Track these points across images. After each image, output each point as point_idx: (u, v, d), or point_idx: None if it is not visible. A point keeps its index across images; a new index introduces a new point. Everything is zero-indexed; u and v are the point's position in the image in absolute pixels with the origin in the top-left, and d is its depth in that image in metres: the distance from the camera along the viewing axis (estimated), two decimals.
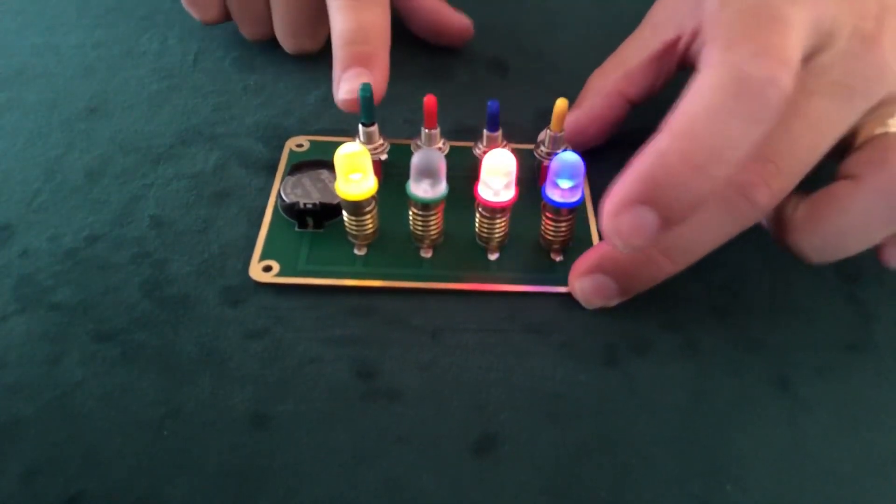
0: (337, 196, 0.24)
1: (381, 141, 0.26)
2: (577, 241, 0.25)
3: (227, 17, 0.32)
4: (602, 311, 0.24)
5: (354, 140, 0.26)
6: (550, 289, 0.24)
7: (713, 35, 0.20)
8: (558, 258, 0.25)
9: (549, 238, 0.25)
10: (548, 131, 0.26)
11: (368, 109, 0.25)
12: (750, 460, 0.21)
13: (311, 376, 0.22)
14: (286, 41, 0.32)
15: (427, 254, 0.25)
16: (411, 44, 0.35)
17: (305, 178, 0.26)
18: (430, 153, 0.23)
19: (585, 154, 0.23)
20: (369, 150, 0.25)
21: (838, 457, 0.21)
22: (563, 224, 0.24)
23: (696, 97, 0.19)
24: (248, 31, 0.33)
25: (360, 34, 0.27)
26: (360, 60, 0.26)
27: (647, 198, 0.19)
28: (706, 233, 0.21)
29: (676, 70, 0.27)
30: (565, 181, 0.23)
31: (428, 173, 0.23)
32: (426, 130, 0.25)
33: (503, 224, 0.24)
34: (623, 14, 0.37)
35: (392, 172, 0.27)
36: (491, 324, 0.24)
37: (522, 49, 0.35)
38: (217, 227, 0.26)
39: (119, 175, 0.28)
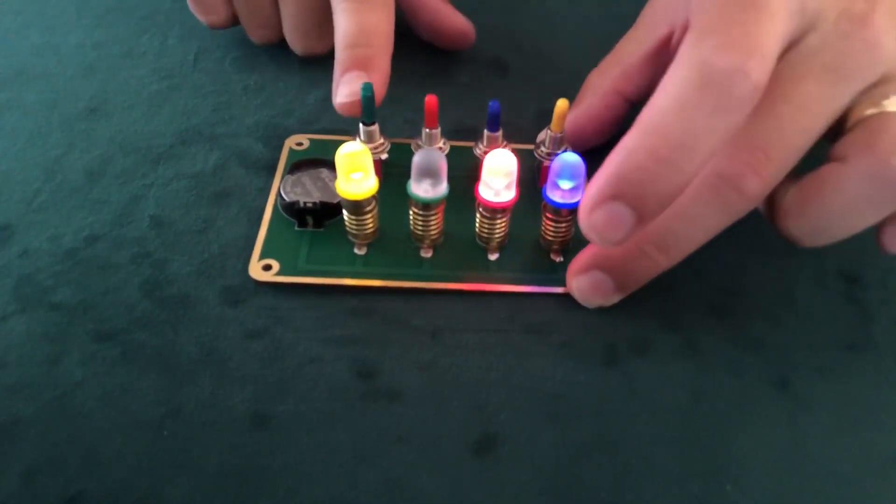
0: (337, 195, 0.24)
1: (381, 140, 0.26)
2: (577, 241, 0.25)
3: (234, 21, 0.32)
4: (602, 311, 0.24)
5: (355, 139, 0.26)
6: (550, 289, 0.24)
7: (690, 27, 0.19)
8: (558, 258, 0.25)
9: (550, 238, 0.25)
10: (548, 131, 0.26)
11: (369, 109, 0.25)
12: (750, 460, 0.21)
13: (311, 376, 0.22)
14: (296, 43, 0.32)
15: (427, 254, 0.25)
16: (412, 44, 0.35)
17: (305, 177, 0.26)
18: (431, 153, 0.23)
19: (585, 154, 0.23)
20: (370, 149, 0.25)
21: (838, 457, 0.21)
22: (564, 224, 0.24)
23: (663, 92, 0.19)
24: (256, 34, 0.32)
25: (362, 37, 0.27)
26: (359, 64, 0.26)
27: (619, 194, 0.19)
28: (698, 225, 0.21)
29: None
30: (566, 182, 0.23)
31: (429, 173, 0.23)
32: (427, 130, 0.25)
33: (503, 224, 0.24)
34: (623, 14, 0.37)
35: (392, 172, 0.27)
36: (491, 324, 0.24)
37: (522, 49, 0.35)
38: (217, 227, 0.26)
39: (119, 175, 0.28)
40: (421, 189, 0.23)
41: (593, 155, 0.29)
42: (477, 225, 0.25)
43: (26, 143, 0.29)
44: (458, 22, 0.33)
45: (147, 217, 0.26)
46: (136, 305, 0.23)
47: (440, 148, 0.26)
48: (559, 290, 0.24)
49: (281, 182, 0.26)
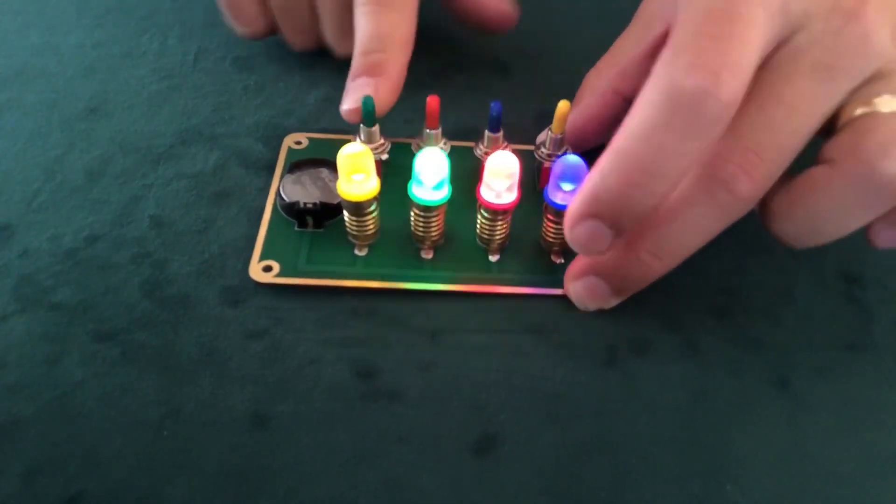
0: (337, 195, 0.24)
1: (381, 140, 0.26)
2: None
3: (272, 30, 0.32)
4: (602, 312, 0.24)
5: (355, 139, 0.26)
6: (551, 291, 0.24)
7: (668, 42, 0.19)
8: (559, 260, 0.25)
9: (551, 240, 0.25)
10: (548, 133, 0.26)
11: (369, 120, 0.25)
12: (750, 460, 0.21)
13: (311, 377, 0.22)
14: (336, 46, 0.32)
15: (428, 255, 0.25)
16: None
17: (305, 177, 0.26)
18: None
19: (585, 155, 0.23)
20: (370, 149, 0.25)
21: (838, 457, 0.21)
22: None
23: (634, 115, 0.19)
24: (296, 40, 0.32)
25: (377, 42, 0.27)
26: (370, 70, 0.26)
27: (595, 213, 0.20)
28: (693, 229, 0.21)
29: None
30: (568, 184, 0.23)
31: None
32: (428, 131, 0.25)
33: (504, 226, 0.24)
34: (623, 14, 0.37)
35: (393, 172, 0.27)
36: (491, 324, 0.24)
37: (522, 49, 0.35)
38: (217, 227, 0.26)
39: (119, 175, 0.28)
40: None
41: (593, 156, 0.29)
42: (478, 226, 0.25)
43: (26, 143, 0.29)
44: (497, 3, 0.32)
45: (147, 217, 0.26)
46: (136, 305, 0.23)
47: (441, 148, 0.26)
48: (560, 291, 0.24)
49: (280, 182, 0.26)
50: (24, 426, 0.21)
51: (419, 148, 0.26)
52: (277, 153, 0.29)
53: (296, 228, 0.26)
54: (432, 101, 0.24)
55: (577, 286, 0.23)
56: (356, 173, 0.23)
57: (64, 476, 0.20)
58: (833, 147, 0.21)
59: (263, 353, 0.22)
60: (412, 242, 0.25)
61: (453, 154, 0.26)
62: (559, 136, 0.25)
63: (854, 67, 0.20)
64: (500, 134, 0.26)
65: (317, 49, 0.33)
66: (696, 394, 0.22)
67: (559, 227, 0.24)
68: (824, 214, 0.21)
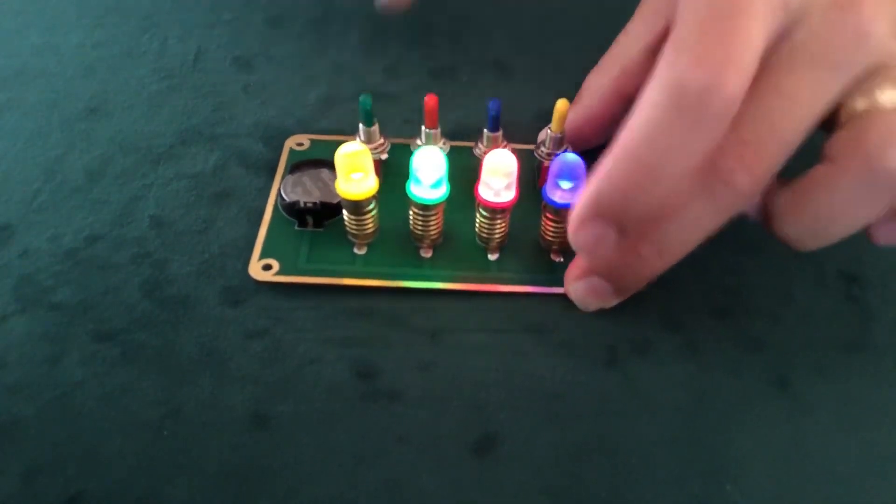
0: (337, 195, 0.24)
1: (381, 140, 0.26)
2: None
3: None
4: (602, 312, 0.24)
5: (355, 139, 0.26)
6: (550, 290, 0.24)
7: (669, 38, 0.19)
8: (558, 259, 0.25)
9: (550, 239, 0.25)
10: (548, 131, 0.26)
11: (367, 119, 0.25)
12: (750, 460, 0.21)
13: (311, 376, 0.22)
14: None
15: (427, 254, 0.25)
16: (412, 44, 0.35)
17: (306, 177, 0.26)
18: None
19: (586, 154, 0.23)
20: (370, 149, 0.25)
21: (838, 457, 0.21)
22: (564, 225, 0.24)
23: (638, 114, 0.19)
24: None
25: None
26: None
27: (599, 213, 0.20)
28: (692, 225, 0.21)
29: None
30: (566, 182, 0.23)
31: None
32: (426, 130, 0.25)
33: (503, 224, 0.24)
34: (623, 14, 0.37)
35: (392, 172, 0.27)
36: (491, 324, 0.24)
37: (522, 49, 0.35)
38: (217, 227, 0.26)
39: (119, 175, 0.28)
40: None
41: (593, 155, 0.29)
42: (477, 225, 0.25)
43: (26, 143, 0.29)
44: None
45: (147, 217, 0.26)
46: (136, 305, 0.23)
47: (440, 147, 0.26)
48: (559, 290, 0.24)
49: (281, 182, 0.26)
50: (24, 426, 0.21)
51: (417, 147, 0.26)
52: (278, 153, 0.29)
53: (296, 228, 0.26)
54: (430, 101, 0.24)
55: (578, 287, 0.23)
56: (354, 172, 0.23)
57: (64, 476, 0.20)
58: (834, 144, 0.21)
59: (263, 353, 0.22)
60: (411, 241, 0.25)
61: (453, 153, 0.26)
62: (559, 135, 0.25)
63: (852, 60, 0.20)
64: (500, 133, 0.26)
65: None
66: (696, 394, 0.22)
67: (558, 225, 0.24)
68: (828, 213, 0.21)
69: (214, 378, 0.22)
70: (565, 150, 0.26)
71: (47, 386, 0.21)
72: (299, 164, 0.27)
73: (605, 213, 0.20)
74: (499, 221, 0.24)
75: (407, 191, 0.23)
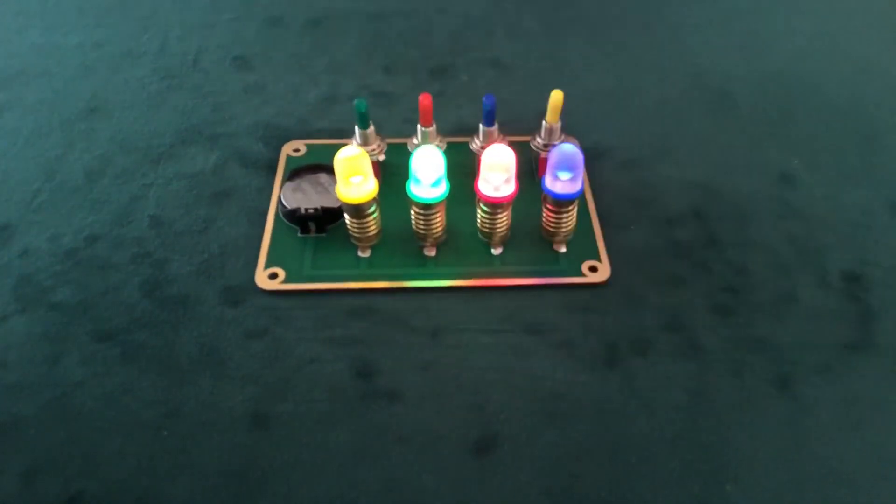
0: (338, 199, 0.24)
1: (378, 142, 0.26)
2: (578, 232, 0.25)
3: None
4: (602, 311, 0.24)
5: (351, 143, 0.26)
6: (556, 280, 0.24)
7: None
8: (562, 249, 0.25)
9: (552, 230, 0.25)
10: (544, 123, 0.26)
11: (363, 121, 0.25)
12: (750, 460, 0.21)
13: (311, 376, 0.22)
14: None
15: (431, 252, 0.25)
16: (411, 43, 0.35)
17: (305, 183, 0.26)
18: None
19: (584, 146, 0.23)
20: (367, 151, 0.25)
21: (838, 457, 0.21)
22: (565, 215, 0.24)
23: None
24: None
25: None
26: None
27: None
28: None
29: None
30: (565, 173, 0.23)
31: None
32: (422, 129, 0.25)
33: (505, 218, 0.24)
34: (623, 14, 0.37)
35: (391, 173, 0.27)
36: (491, 324, 0.24)
37: (523, 49, 0.35)
38: (217, 227, 0.26)
39: (119, 175, 0.28)
40: (421, 190, 0.23)
41: (594, 150, 0.29)
42: (479, 220, 0.25)
43: (26, 143, 0.29)
44: None
45: (147, 217, 0.26)
46: (136, 305, 0.23)
47: (437, 145, 0.26)
48: (564, 280, 0.24)
49: (281, 189, 0.26)
50: (24, 426, 0.21)
51: (415, 147, 0.26)
52: (277, 153, 0.29)
53: (298, 234, 0.26)
54: (425, 99, 0.24)
55: None
56: (354, 176, 0.23)
57: (64, 476, 0.20)
58: None
59: (263, 352, 0.22)
60: (415, 241, 0.25)
61: (450, 150, 0.26)
62: (554, 126, 0.25)
63: None
64: (496, 128, 0.26)
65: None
66: (696, 394, 0.22)
67: (559, 216, 0.24)
68: None
69: (214, 378, 0.22)
70: (562, 141, 0.26)
71: (47, 386, 0.21)
72: (297, 171, 0.27)
73: None
74: (500, 216, 0.24)
75: (407, 191, 0.23)
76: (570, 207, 0.24)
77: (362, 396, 0.22)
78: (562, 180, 0.23)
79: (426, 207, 0.24)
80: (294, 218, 0.26)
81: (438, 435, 0.21)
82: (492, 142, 0.25)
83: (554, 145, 0.25)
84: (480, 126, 0.26)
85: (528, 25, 0.36)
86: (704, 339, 0.23)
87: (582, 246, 0.25)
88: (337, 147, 0.23)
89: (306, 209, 0.25)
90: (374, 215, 0.24)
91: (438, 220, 0.24)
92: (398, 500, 0.20)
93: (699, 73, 0.33)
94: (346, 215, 0.24)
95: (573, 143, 0.23)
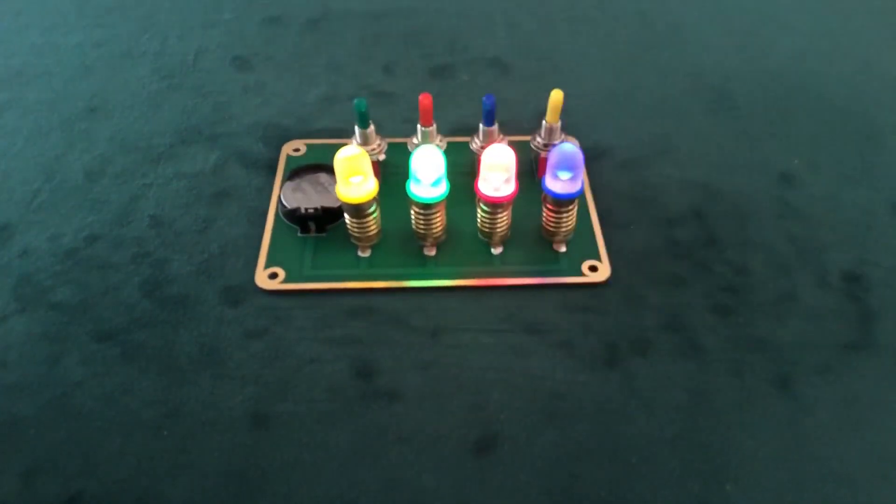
0: (337, 199, 0.24)
1: (378, 142, 0.26)
2: (579, 231, 0.25)
3: None
4: (602, 311, 0.24)
5: (351, 142, 0.26)
6: (556, 280, 0.24)
7: None
8: (562, 249, 0.25)
9: (552, 229, 0.25)
10: (544, 122, 0.26)
11: (363, 121, 0.25)
12: (750, 460, 0.21)
13: (311, 376, 0.22)
14: None
15: (431, 252, 0.25)
16: (411, 43, 0.35)
17: (305, 183, 0.26)
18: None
19: (584, 146, 0.23)
20: (366, 151, 0.25)
21: (838, 457, 0.21)
22: (565, 215, 0.24)
23: None
24: None
25: None
26: None
27: None
28: None
29: None
30: (565, 173, 0.23)
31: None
32: (422, 128, 0.25)
33: (505, 218, 0.24)
34: (623, 14, 0.37)
35: (391, 172, 0.27)
36: (491, 324, 0.24)
37: (523, 49, 0.35)
38: (217, 227, 0.26)
39: (119, 175, 0.28)
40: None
41: (593, 149, 0.29)
42: (479, 220, 0.25)
43: (26, 143, 0.29)
44: None
45: (147, 217, 0.26)
46: (136, 305, 0.23)
47: (437, 145, 0.26)
48: (564, 280, 0.24)
49: (281, 189, 0.26)
50: (24, 426, 0.21)
51: (415, 146, 0.26)
52: (277, 153, 0.29)
53: (298, 234, 0.26)
54: (425, 99, 0.24)
55: None
56: (354, 176, 0.23)
57: (64, 476, 0.20)
58: None
59: (263, 352, 0.22)
60: (415, 241, 0.25)
61: (451, 150, 0.26)
62: (554, 126, 0.25)
63: None
64: (496, 127, 0.26)
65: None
66: (696, 394, 0.22)
67: (559, 216, 0.24)
68: None
69: (214, 378, 0.22)
70: (562, 141, 0.26)
71: (47, 386, 0.21)
72: (297, 170, 0.27)
73: None
74: (500, 215, 0.24)
75: (407, 191, 0.23)
76: (570, 207, 0.24)
77: (362, 396, 0.22)
78: (562, 180, 0.23)
79: (426, 207, 0.24)
80: (294, 218, 0.26)
81: (438, 435, 0.21)
82: (492, 142, 0.25)
83: (554, 145, 0.25)
84: (480, 126, 0.26)
85: (528, 25, 0.36)
86: (704, 339, 0.23)
87: (582, 246, 0.25)
88: (337, 147, 0.23)
89: (306, 209, 0.25)
90: (374, 215, 0.24)
91: (438, 219, 0.24)
92: (398, 500, 0.20)
93: (699, 73, 0.33)
94: (346, 215, 0.24)
95: (573, 143, 0.23)
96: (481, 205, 0.24)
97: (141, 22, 0.35)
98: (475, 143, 0.26)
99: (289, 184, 0.26)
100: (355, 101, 0.24)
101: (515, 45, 0.35)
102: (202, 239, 0.26)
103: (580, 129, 0.30)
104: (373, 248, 0.25)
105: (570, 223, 0.25)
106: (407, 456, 0.20)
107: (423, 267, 0.25)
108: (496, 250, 0.25)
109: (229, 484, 0.20)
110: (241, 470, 0.20)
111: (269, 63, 0.33)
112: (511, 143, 0.23)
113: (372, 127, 0.25)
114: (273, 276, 0.24)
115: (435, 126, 0.26)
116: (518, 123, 0.29)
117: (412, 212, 0.24)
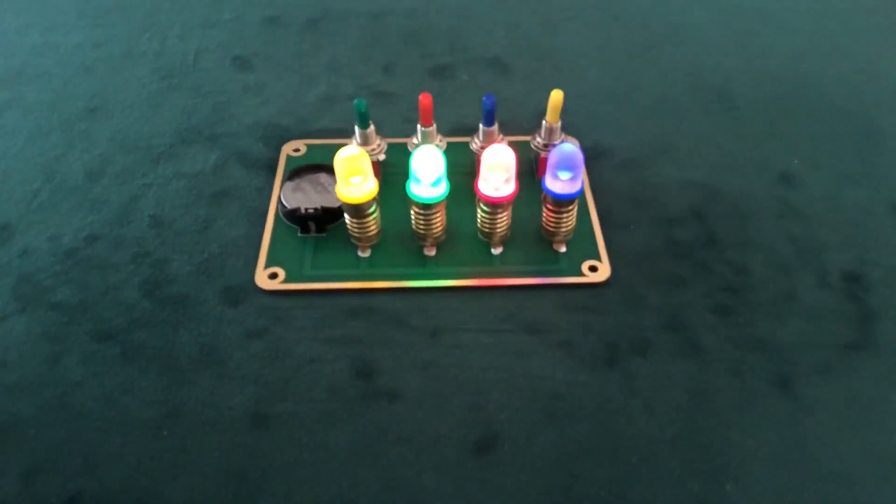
0: (337, 199, 0.24)
1: (378, 142, 0.26)
2: (579, 232, 0.25)
3: None
4: (602, 311, 0.24)
5: (351, 142, 0.26)
6: (555, 280, 0.24)
7: None
8: (562, 249, 0.25)
9: (552, 230, 0.25)
10: (544, 122, 0.26)
11: (363, 121, 0.25)
12: (750, 460, 0.21)
13: (310, 376, 0.22)
14: None
15: (431, 252, 0.25)
16: (411, 43, 0.35)
17: (305, 183, 0.26)
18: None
19: (584, 146, 0.23)
20: (366, 151, 0.25)
21: (838, 457, 0.21)
22: (565, 215, 0.24)
23: None
24: None
25: None
26: None
27: None
28: None
29: None
30: (565, 173, 0.23)
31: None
32: (422, 128, 0.25)
33: (505, 218, 0.24)
34: (623, 14, 0.37)
35: (391, 172, 0.27)
36: (491, 324, 0.24)
37: (522, 49, 0.35)
38: (217, 227, 0.26)
39: (119, 175, 0.28)
40: (420, 190, 0.23)
41: (593, 149, 0.29)
42: (479, 220, 0.25)
43: (26, 143, 0.29)
44: None
45: (147, 217, 0.26)
46: (136, 305, 0.23)
47: (437, 145, 0.26)
48: (564, 280, 0.24)
49: (281, 189, 0.26)
50: (24, 426, 0.21)
51: (415, 147, 0.26)
52: (277, 153, 0.29)
53: (298, 234, 0.26)
54: (425, 99, 0.24)
55: None
56: (354, 176, 0.23)
57: (64, 476, 0.20)
58: None
59: (263, 352, 0.22)
60: (415, 241, 0.25)
61: (450, 150, 0.26)
62: (554, 126, 0.25)
63: None
64: (495, 127, 0.26)
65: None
66: (696, 394, 0.22)
67: (559, 216, 0.24)
68: None
69: (214, 378, 0.22)
70: (562, 141, 0.26)
71: (47, 386, 0.21)
72: (297, 170, 0.27)
73: None
74: (500, 215, 0.24)
75: (407, 191, 0.23)
76: (570, 207, 0.24)
77: (362, 396, 0.22)
78: (562, 180, 0.23)
79: (426, 207, 0.24)
80: (294, 218, 0.26)
81: (438, 435, 0.21)
82: (492, 142, 0.25)
83: (554, 145, 0.25)
84: (480, 126, 0.26)
85: (527, 25, 0.36)
86: (704, 339, 0.23)
87: (582, 246, 0.25)
88: (337, 147, 0.23)
89: (306, 209, 0.25)
90: (374, 215, 0.24)
91: (438, 219, 0.24)
92: (398, 500, 0.20)
93: (699, 73, 0.33)
94: (346, 215, 0.24)
95: (573, 143, 0.23)
96: (481, 205, 0.24)
97: (141, 22, 0.35)
98: (475, 143, 0.26)
99: (289, 184, 0.26)
100: (355, 101, 0.24)
101: (515, 44, 0.35)
102: (202, 239, 0.26)
103: (580, 129, 0.30)
104: (373, 248, 0.25)
105: (570, 223, 0.25)
106: (407, 456, 0.20)
107: (423, 267, 0.25)
108: (496, 250, 0.25)
109: (229, 484, 0.20)
110: (241, 470, 0.20)
111: (268, 63, 0.33)
112: (511, 143, 0.23)
113: (372, 127, 0.25)
114: (273, 276, 0.24)
115: (435, 126, 0.26)
116: (518, 123, 0.29)
117: (412, 212, 0.24)
